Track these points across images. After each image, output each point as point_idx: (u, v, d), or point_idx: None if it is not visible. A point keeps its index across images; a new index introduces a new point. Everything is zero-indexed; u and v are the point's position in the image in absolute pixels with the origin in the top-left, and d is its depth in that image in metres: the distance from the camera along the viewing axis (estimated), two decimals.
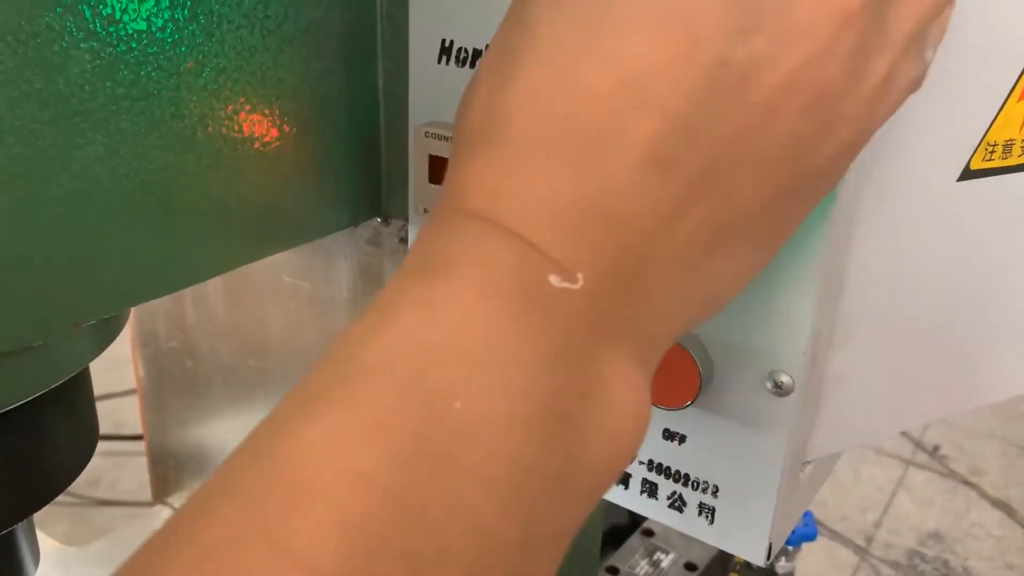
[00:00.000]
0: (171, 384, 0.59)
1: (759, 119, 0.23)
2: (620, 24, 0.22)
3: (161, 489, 0.63)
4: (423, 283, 0.22)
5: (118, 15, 0.30)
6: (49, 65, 0.28)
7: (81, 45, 0.29)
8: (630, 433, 0.23)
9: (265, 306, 0.51)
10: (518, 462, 0.20)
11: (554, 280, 0.21)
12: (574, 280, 0.22)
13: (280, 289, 0.50)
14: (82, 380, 0.39)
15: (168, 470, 0.62)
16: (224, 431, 0.57)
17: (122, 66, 0.30)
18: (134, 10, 0.30)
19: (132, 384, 0.66)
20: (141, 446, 0.68)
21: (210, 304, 0.54)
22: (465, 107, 0.24)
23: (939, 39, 0.27)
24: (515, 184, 0.22)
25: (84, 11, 0.29)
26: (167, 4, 0.31)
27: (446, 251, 0.22)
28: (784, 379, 0.34)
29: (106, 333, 0.36)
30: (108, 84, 0.30)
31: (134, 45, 0.30)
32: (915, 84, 0.27)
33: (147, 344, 0.59)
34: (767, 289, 0.33)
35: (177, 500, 0.63)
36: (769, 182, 0.24)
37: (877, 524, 2.30)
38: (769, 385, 0.34)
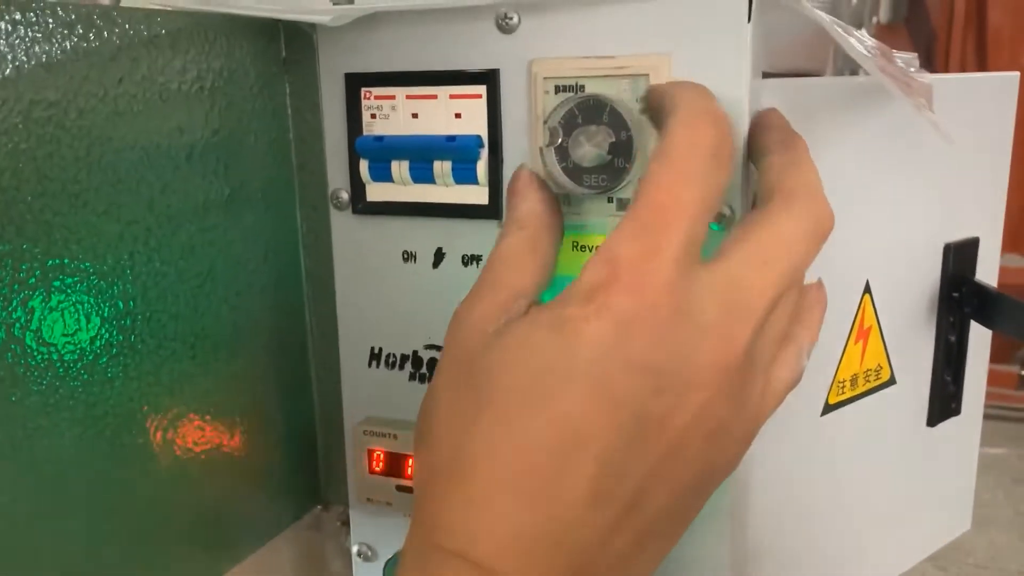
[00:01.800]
0: None
1: (671, 451, 0.28)
2: (559, 389, 0.27)
3: None
4: None
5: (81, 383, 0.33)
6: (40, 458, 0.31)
7: (65, 433, 0.32)
8: None
9: None
10: None
11: None
12: None
13: None
14: None
15: None
16: None
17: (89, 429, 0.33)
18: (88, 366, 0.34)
19: None
20: None
21: None
22: (432, 440, 0.30)
23: (812, 344, 0.33)
24: (483, 523, 0.27)
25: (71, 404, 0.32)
26: (121, 362, 0.35)
27: None
28: None
29: None
30: (86, 454, 0.33)
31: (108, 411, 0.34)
32: (793, 384, 0.33)
33: None
34: (694, 550, 0.38)
35: None
36: (680, 493, 0.29)
37: None
38: None
